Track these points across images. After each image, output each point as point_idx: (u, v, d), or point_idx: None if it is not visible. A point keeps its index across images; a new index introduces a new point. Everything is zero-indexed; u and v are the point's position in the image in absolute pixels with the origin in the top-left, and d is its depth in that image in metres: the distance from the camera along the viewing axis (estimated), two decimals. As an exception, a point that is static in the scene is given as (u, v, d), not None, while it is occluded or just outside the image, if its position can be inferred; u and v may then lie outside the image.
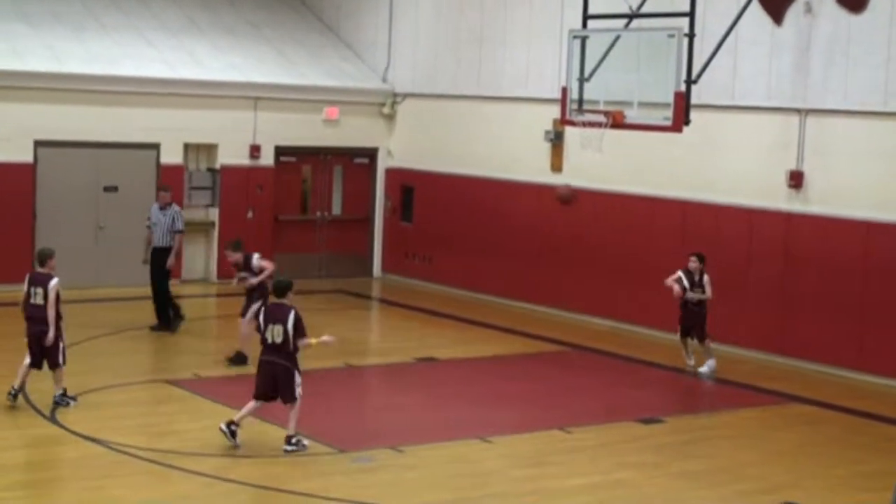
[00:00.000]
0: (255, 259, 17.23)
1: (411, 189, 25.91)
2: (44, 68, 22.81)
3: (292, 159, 25.83)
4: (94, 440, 12.91)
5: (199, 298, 23.51)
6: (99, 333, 18.94)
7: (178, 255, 20.21)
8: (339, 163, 26.42)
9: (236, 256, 17.40)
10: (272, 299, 13.50)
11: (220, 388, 15.72)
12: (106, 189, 23.68)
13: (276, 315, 13.09)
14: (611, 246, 21.57)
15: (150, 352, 18.49)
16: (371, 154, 26.57)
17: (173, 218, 19.54)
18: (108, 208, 23.67)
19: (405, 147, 26.16)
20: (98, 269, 23.44)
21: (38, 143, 22.93)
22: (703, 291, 17.86)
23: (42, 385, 14.90)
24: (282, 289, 13.33)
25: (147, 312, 19.74)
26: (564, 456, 13.53)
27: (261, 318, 13.24)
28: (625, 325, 21.12)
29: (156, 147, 24.09)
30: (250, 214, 25.08)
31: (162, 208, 19.61)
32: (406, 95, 26.09)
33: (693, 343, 18.13)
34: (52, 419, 13.85)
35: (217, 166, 24.83)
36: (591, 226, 21.96)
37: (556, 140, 22.54)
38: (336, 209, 26.51)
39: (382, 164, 26.56)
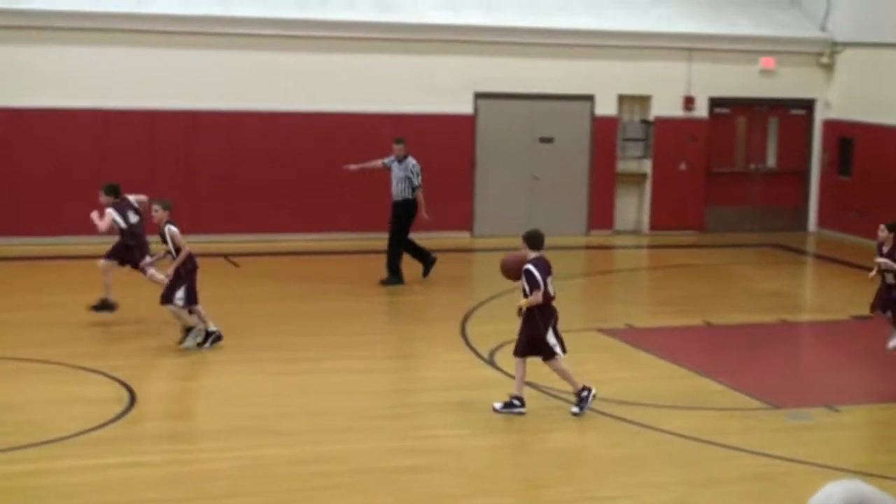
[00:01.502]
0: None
1: (850, 142, 24.96)
2: (481, 21, 23.47)
3: (726, 111, 25.45)
4: (529, 385, 13.23)
5: (632, 249, 23.64)
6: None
7: (411, 210, 19.14)
8: (775, 114, 25.79)
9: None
10: (535, 253, 12.22)
11: (653, 339, 15.75)
12: (541, 140, 24.16)
13: (549, 268, 12.34)
14: None
15: (582, 300, 18.73)
16: (808, 105, 25.78)
17: (410, 172, 19.03)
18: (543, 159, 24.15)
19: (845, 98, 25.21)
20: (532, 219, 23.96)
21: (478, 95, 23.67)
22: None
23: (483, 328, 15.46)
24: (542, 240, 12.45)
25: (587, 261, 19.94)
26: None
27: (537, 273, 12.08)
28: None
29: (590, 98, 24.34)
30: (683, 166, 24.93)
31: (399, 161, 19.19)
32: (846, 45, 25.10)
33: None
34: (491, 362, 14.32)
35: (650, 118, 24.83)
36: None
37: None
38: (770, 162, 25.94)
39: (820, 115, 25.73)
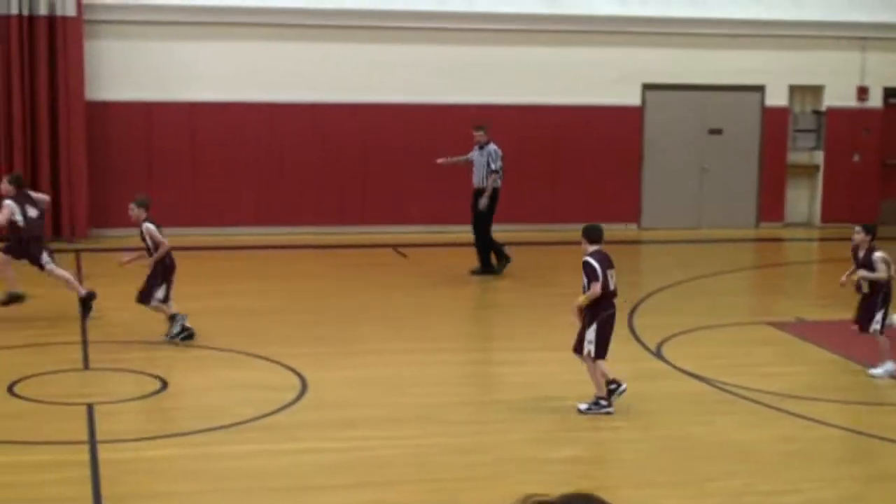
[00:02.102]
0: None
1: None
2: (648, 13, 23.35)
3: (902, 101, 24.89)
4: (697, 377, 13.18)
5: (803, 242, 23.29)
6: (701, 274, 19.26)
7: (492, 197, 18.79)
8: (955, 104, 25.15)
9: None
10: (594, 246, 11.86)
11: (823, 333, 15.52)
12: (710, 132, 23.95)
13: (610, 261, 11.97)
14: None
15: (751, 293, 18.56)
16: None
17: (489, 158, 18.70)
18: (712, 151, 23.94)
19: None
20: (701, 211, 23.82)
21: (646, 87, 23.57)
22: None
23: (650, 320, 15.44)
24: (601, 233, 12.09)
25: (757, 254, 19.72)
26: None
27: (597, 266, 11.74)
28: None
29: (760, 89, 24.04)
30: (856, 158, 24.45)
31: (480, 148, 18.85)
32: None
33: None
34: (658, 354, 14.30)
35: (822, 108, 24.40)
36: None
37: None
38: (948, 153, 25.28)
39: None
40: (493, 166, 18.60)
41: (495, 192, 18.79)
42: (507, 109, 22.73)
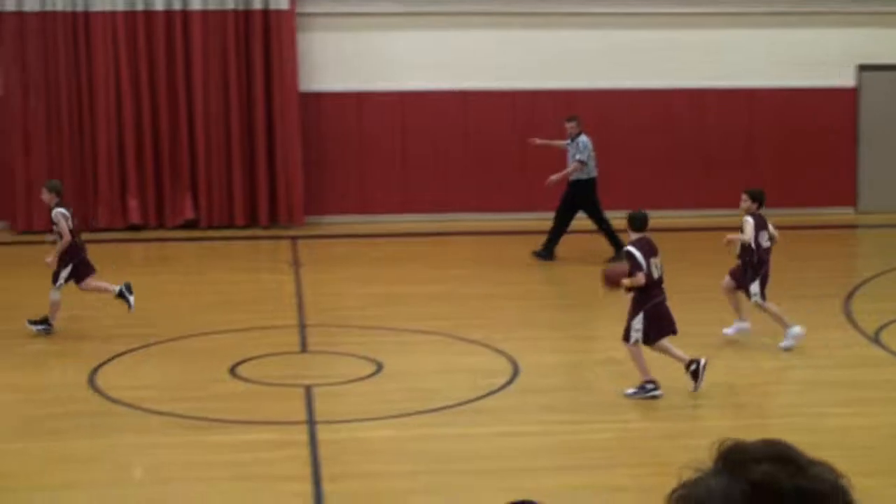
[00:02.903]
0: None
1: None
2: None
3: None
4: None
5: None
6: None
7: (582, 187, 18.61)
8: None
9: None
10: (638, 234, 11.84)
11: None
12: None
13: (653, 249, 11.83)
14: None
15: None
16: None
17: (578, 150, 18.52)
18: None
19: None
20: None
21: (862, 68, 22.93)
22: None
23: (868, 306, 15.07)
24: (645, 221, 12.04)
25: None
26: None
27: (639, 255, 11.59)
28: None
29: (984, 68, 23.16)
30: None
31: (571, 139, 18.68)
32: None
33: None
34: (876, 341, 13.96)
35: None
36: None
37: None
38: None
39: None
40: (578, 157, 18.58)
41: (587, 183, 18.73)
42: (705, 94, 22.40)
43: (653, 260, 11.62)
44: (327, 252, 19.10)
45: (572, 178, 18.75)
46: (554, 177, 18.73)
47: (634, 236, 11.86)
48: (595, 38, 22.44)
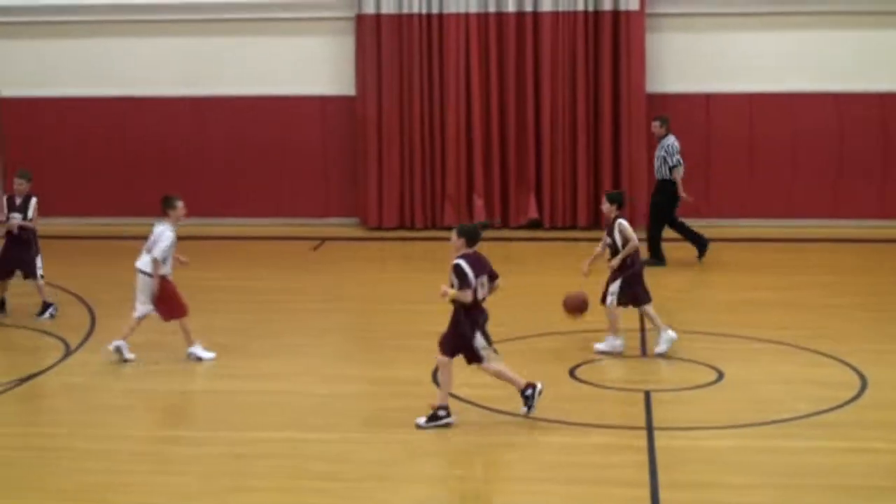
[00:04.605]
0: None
1: None
2: None
3: None
4: None
5: None
6: None
7: (680, 188, 18.54)
8: None
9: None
10: (469, 248, 11.20)
11: None
12: None
13: (484, 266, 11.22)
14: None
15: None
16: None
17: (666, 152, 18.43)
18: None
19: None
20: None
21: None
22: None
23: None
24: (477, 234, 11.35)
25: None
26: None
27: (469, 270, 10.99)
28: None
29: None
30: None
31: (659, 140, 18.64)
32: None
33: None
34: None
35: None
36: None
37: None
38: None
39: None
40: (671, 161, 18.44)
41: (671, 184, 18.51)
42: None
43: (482, 278, 11.19)
44: (671, 254, 18.92)
45: (659, 176, 18.69)
46: (682, 193, 18.59)
47: (465, 250, 11.27)
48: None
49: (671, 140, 18.70)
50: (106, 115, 22.79)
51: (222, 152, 22.72)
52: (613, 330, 13.67)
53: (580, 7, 21.73)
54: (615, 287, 13.60)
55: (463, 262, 11.08)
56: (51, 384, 13.01)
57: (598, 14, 21.79)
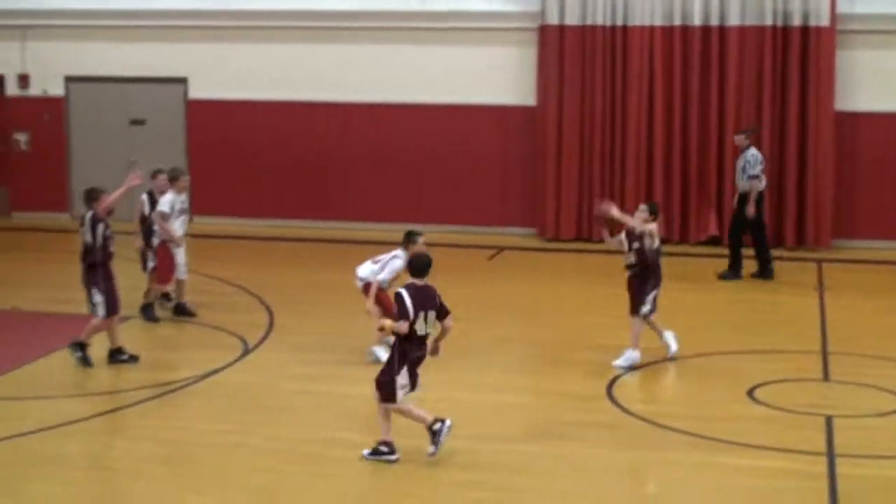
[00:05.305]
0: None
1: None
2: None
3: None
4: None
5: None
6: None
7: (750, 202, 18.28)
8: None
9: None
10: (416, 280, 10.63)
11: None
12: None
13: (429, 300, 10.55)
14: None
15: None
16: None
17: (747, 163, 18.24)
18: None
19: None
20: None
21: None
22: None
23: None
24: (426, 266, 10.70)
25: None
26: None
27: (409, 302, 10.35)
28: None
29: None
30: None
31: (741, 152, 18.49)
32: None
33: None
34: None
35: None
36: None
37: None
38: None
39: None
40: (749, 172, 18.26)
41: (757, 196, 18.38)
42: None
43: (426, 313, 10.51)
44: (855, 277, 18.43)
45: (741, 191, 18.45)
46: (750, 208, 18.23)
47: (411, 281, 10.70)
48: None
49: (753, 151, 18.56)
50: (290, 118, 23.18)
51: (402, 159, 22.88)
52: (635, 343, 13.44)
53: (768, 22, 21.29)
54: (651, 297, 13.47)
55: (404, 292, 10.54)
56: (230, 381, 13.22)
57: (786, 29, 21.31)
